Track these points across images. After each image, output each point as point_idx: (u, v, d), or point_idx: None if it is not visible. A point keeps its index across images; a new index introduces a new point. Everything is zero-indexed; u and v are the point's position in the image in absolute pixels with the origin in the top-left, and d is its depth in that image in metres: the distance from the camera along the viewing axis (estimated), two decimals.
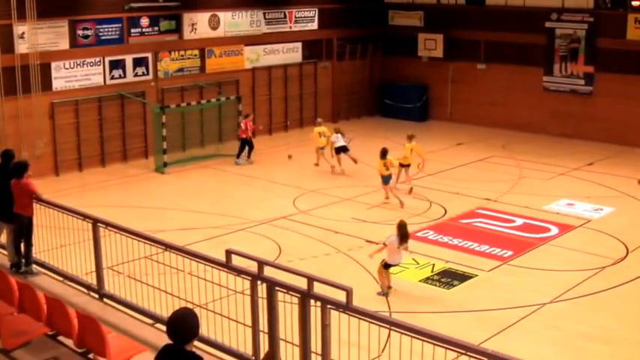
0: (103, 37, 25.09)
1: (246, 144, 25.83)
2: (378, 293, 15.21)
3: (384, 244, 15.35)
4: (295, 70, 31.30)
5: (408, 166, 22.76)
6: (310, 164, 25.34)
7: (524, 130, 30.10)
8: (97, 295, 10.86)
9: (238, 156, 25.75)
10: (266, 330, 8.39)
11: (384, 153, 21.18)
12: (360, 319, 7.43)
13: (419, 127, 31.94)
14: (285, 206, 21.06)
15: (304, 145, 27.60)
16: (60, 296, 9.55)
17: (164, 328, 6.04)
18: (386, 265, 15.27)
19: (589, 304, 15.05)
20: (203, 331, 7.78)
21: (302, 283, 7.81)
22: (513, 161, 25.97)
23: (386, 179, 21.23)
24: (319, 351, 7.79)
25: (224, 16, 28.50)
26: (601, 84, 28.61)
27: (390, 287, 15.37)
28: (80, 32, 24.52)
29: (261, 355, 8.61)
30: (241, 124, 25.91)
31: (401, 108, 32.95)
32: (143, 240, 10.17)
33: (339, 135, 24.63)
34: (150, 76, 26.46)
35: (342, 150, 24.49)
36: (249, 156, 25.94)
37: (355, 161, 24.33)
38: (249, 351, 8.85)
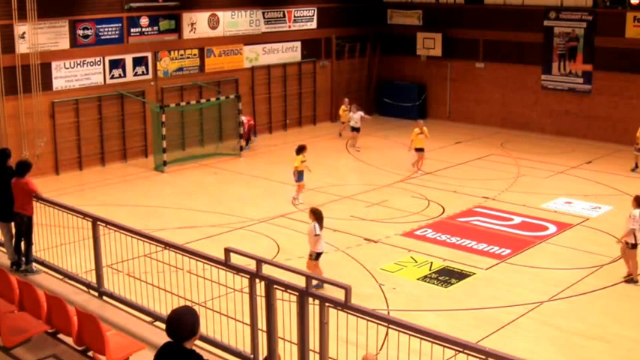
0: (102, 37, 25.14)
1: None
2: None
3: (317, 234, 15.24)
4: (294, 69, 31.34)
5: (422, 150, 24.33)
6: (310, 162, 25.35)
7: (523, 129, 30.15)
8: (96, 294, 10.90)
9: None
10: (264, 328, 8.43)
11: (300, 149, 21.53)
12: (358, 317, 7.46)
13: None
14: (283, 205, 21.11)
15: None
16: (60, 294, 9.58)
17: (163, 326, 6.09)
18: (317, 256, 15.29)
19: (586, 303, 15.10)
20: (202, 329, 7.83)
21: (300, 281, 7.85)
22: (511, 160, 26.03)
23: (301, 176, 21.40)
24: (317, 349, 7.84)
25: (223, 15, 28.54)
26: (599, 82, 28.64)
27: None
28: (80, 32, 24.57)
29: (260, 356, 8.65)
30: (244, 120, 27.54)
31: (400, 107, 32.99)
32: (142, 238, 10.22)
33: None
34: (149, 76, 26.52)
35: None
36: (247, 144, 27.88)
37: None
38: (247, 349, 8.89)
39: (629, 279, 15.92)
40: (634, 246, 15.85)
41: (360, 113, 27.99)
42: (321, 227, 15.26)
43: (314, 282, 14.80)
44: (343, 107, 29.42)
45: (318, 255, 15.30)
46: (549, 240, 18.61)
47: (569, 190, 22.52)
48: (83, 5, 24.62)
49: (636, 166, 24.18)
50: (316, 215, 15.27)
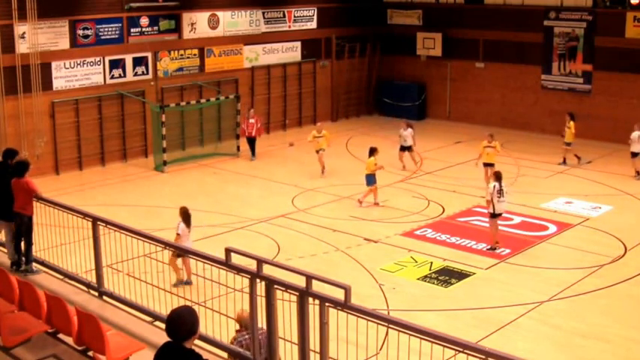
0: (102, 37, 25.14)
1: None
2: (175, 285, 15.02)
3: (177, 234, 15.07)
4: (294, 69, 31.34)
5: (492, 165, 22.19)
6: (309, 163, 25.34)
7: (523, 129, 30.12)
8: (96, 293, 10.89)
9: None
10: (265, 328, 8.43)
11: (372, 151, 21.33)
12: (358, 317, 7.45)
13: (417, 126, 31.92)
14: (284, 205, 21.12)
15: (303, 144, 27.68)
16: (60, 294, 9.56)
17: (163, 326, 6.09)
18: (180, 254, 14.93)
19: (586, 303, 15.10)
20: (202, 328, 7.86)
21: (300, 281, 7.84)
22: (511, 159, 26.00)
23: (367, 179, 21.08)
24: (318, 349, 7.84)
25: (223, 15, 28.54)
26: (599, 82, 28.65)
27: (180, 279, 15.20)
28: (80, 32, 24.58)
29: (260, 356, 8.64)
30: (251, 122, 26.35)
31: (399, 106, 32.98)
32: (142, 238, 10.20)
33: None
34: (149, 76, 26.52)
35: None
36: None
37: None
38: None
39: (490, 248, 17.86)
40: (493, 215, 17.80)
41: (411, 130, 24.88)
42: (188, 226, 15.15)
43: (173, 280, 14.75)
44: (314, 133, 24.78)
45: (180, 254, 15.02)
46: (549, 240, 18.61)
47: (570, 190, 22.52)
48: (83, 5, 24.63)
49: (564, 161, 25.41)
50: (181, 214, 15.26)
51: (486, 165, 22.39)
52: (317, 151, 24.35)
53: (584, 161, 25.47)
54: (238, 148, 26.84)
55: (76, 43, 24.53)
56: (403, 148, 24.92)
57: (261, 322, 8.50)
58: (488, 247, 17.91)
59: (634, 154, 23.75)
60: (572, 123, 25.07)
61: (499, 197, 17.60)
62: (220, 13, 28.46)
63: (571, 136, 25.11)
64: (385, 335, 8.41)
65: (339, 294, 7.39)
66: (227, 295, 10.50)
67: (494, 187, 17.60)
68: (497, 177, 17.83)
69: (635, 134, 23.67)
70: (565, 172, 24.54)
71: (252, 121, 26.20)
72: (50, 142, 24.10)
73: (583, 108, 29.04)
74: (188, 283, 15.21)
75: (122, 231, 10.38)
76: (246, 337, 9.41)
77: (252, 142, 26.40)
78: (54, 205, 11.58)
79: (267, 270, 8.30)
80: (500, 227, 19.35)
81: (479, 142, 28.18)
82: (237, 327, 9.89)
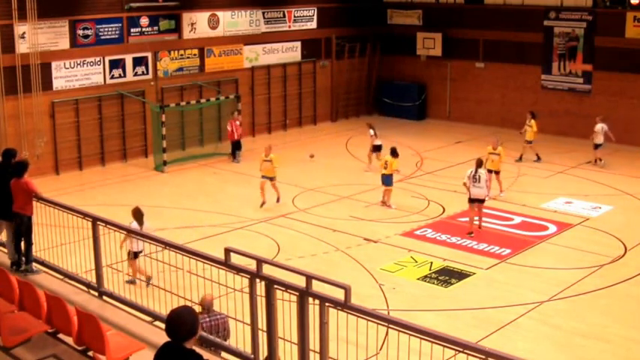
0: (102, 37, 25.14)
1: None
2: (127, 281, 14.31)
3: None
4: (294, 69, 31.34)
5: (497, 172, 21.85)
6: (309, 162, 25.35)
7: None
8: (96, 293, 10.89)
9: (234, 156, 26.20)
10: (264, 328, 8.43)
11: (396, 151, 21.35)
12: (358, 317, 7.46)
13: (417, 126, 32.05)
14: (284, 205, 21.10)
15: (304, 144, 27.68)
16: (60, 294, 9.56)
17: (163, 326, 6.09)
18: (134, 255, 14.85)
19: (586, 303, 15.10)
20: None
21: (300, 281, 7.84)
22: (511, 159, 26.00)
23: (387, 179, 21.06)
24: (317, 349, 7.84)
25: (223, 15, 28.54)
26: (599, 82, 28.63)
27: (148, 276, 14.53)
28: (80, 32, 24.58)
29: (261, 356, 8.64)
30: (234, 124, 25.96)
31: (399, 107, 32.99)
32: (142, 238, 10.21)
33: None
34: (149, 76, 26.52)
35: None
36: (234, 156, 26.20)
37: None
38: (248, 349, 8.89)
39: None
40: (469, 200, 18.69)
41: (371, 131, 24.93)
42: (140, 226, 14.92)
43: (127, 278, 14.71)
44: (263, 156, 21.19)
45: (135, 254, 14.88)
46: (549, 240, 18.61)
47: (570, 190, 22.52)
48: (83, 5, 24.63)
49: (520, 158, 25.82)
50: (134, 214, 15.19)
51: (490, 171, 21.62)
52: (262, 177, 21.03)
53: (588, 162, 25.47)
54: (234, 152, 26.75)
55: (76, 43, 24.54)
56: (374, 148, 24.90)
57: (261, 322, 8.51)
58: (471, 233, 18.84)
59: (597, 146, 24.98)
60: (533, 121, 25.44)
61: (473, 183, 18.46)
62: (220, 13, 28.45)
63: (532, 134, 25.49)
64: (385, 335, 8.41)
65: (339, 294, 7.40)
66: (227, 295, 10.49)
67: (470, 172, 18.63)
68: (478, 163, 18.79)
69: (598, 127, 24.88)
70: (565, 172, 24.53)
71: (238, 123, 26.04)
72: (50, 142, 24.11)
73: (583, 108, 29.05)
74: (132, 282, 14.59)
75: (122, 231, 10.39)
76: (207, 319, 9.89)
77: (238, 144, 26.12)
78: (54, 205, 11.58)
79: (267, 270, 8.31)
80: (500, 227, 19.41)
81: (479, 142, 28.34)
82: (200, 310, 10.07)
